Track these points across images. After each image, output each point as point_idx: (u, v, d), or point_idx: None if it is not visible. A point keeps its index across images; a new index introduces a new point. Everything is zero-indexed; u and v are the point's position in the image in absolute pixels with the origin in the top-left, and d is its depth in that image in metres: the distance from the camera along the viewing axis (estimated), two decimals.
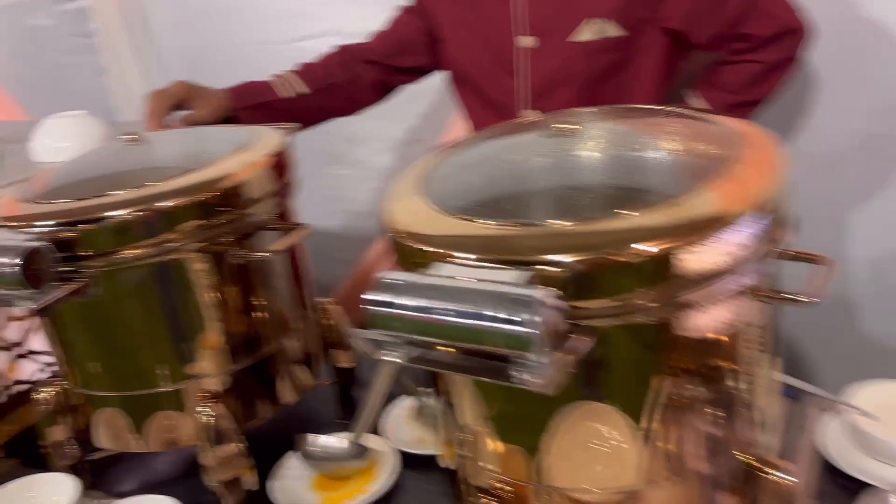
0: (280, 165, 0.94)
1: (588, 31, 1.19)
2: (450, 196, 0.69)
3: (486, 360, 0.54)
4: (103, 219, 0.84)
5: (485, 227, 0.62)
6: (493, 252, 0.59)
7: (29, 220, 0.86)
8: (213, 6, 1.92)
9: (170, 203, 0.85)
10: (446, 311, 0.53)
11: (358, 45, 1.43)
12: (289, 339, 0.99)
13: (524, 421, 0.66)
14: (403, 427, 1.04)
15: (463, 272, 0.57)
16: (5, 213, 0.89)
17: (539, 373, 0.51)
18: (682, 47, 1.24)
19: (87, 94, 2.13)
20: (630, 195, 0.64)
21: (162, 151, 1.01)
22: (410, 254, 0.65)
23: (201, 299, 0.89)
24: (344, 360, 1.11)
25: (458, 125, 1.69)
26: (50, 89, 2.28)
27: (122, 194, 0.87)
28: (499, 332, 0.50)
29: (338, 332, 1.09)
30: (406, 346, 0.57)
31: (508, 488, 0.70)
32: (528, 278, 0.54)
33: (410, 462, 0.98)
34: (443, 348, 0.57)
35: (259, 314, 0.94)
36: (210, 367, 0.92)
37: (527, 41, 1.22)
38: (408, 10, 1.41)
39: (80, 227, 0.84)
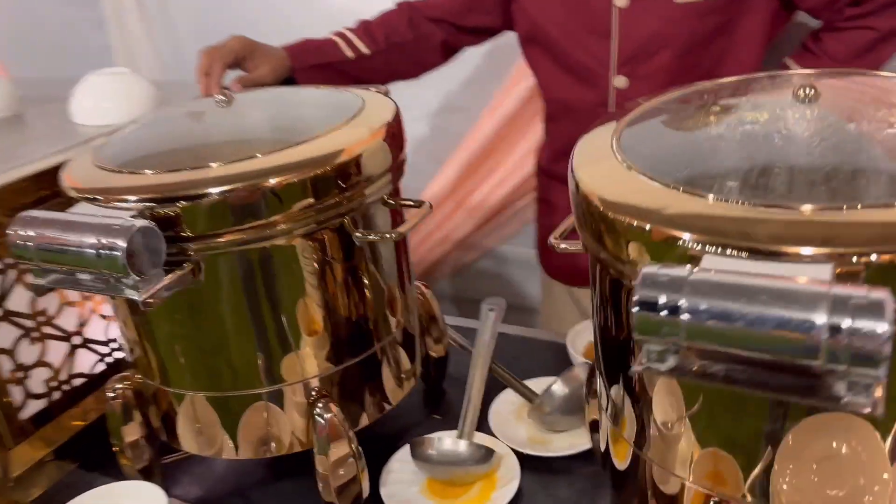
0: (397, 136, 0.83)
1: None
2: (660, 165, 0.60)
3: (785, 373, 0.45)
4: (207, 195, 0.72)
5: (726, 206, 0.53)
6: (753, 239, 0.50)
7: (120, 193, 0.74)
8: None
9: (283, 179, 0.73)
10: (761, 319, 0.43)
11: (421, 1, 1.31)
12: (398, 329, 0.88)
13: (747, 426, 0.58)
14: (513, 425, 0.95)
15: (737, 265, 0.48)
16: (87, 185, 0.77)
17: (869, 392, 0.43)
18: (788, 11, 1.15)
19: (87, 51, 1.96)
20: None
21: (256, 117, 0.89)
22: (622, 232, 0.56)
23: (312, 288, 0.78)
24: (435, 350, 1.02)
25: (505, 92, 1.59)
26: (41, 46, 2.09)
27: (226, 167, 0.75)
28: (839, 346, 0.41)
29: (431, 317, 1.00)
30: (677, 355, 0.48)
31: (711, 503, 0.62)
32: (833, 274, 0.45)
33: (526, 465, 0.89)
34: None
35: (372, 303, 0.84)
36: (321, 364, 0.81)
37: (625, 0, 1.12)
38: None
39: (182, 203, 0.72)
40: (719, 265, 0.48)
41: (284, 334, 0.79)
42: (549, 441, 0.92)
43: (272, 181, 0.73)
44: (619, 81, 1.16)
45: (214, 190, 0.72)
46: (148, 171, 0.76)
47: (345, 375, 0.83)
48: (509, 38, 1.32)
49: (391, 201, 0.82)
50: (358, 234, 0.79)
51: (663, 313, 0.46)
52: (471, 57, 1.54)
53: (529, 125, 1.58)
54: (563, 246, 0.71)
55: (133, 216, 0.70)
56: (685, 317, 0.45)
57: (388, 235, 0.79)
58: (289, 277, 0.77)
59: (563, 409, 0.92)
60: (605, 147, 0.65)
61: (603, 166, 0.63)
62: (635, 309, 0.46)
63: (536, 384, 0.99)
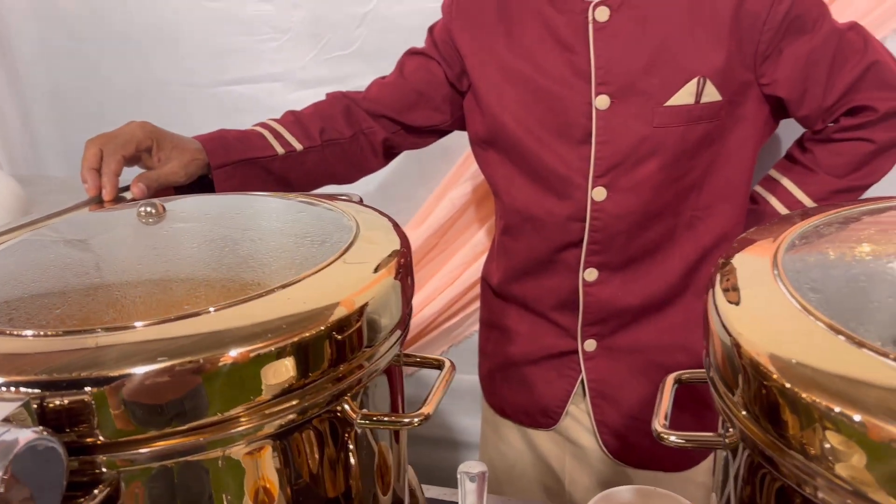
0: (408, 272, 0.59)
1: (687, 94, 0.94)
2: (859, 317, 0.42)
3: None
4: (128, 377, 0.45)
5: None
6: None
7: None
8: (103, 30, 1.45)
9: (251, 348, 0.47)
10: None
11: (360, 93, 1.09)
12: None
13: None
14: None
15: None
16: None
17: None
18: (776, 118, 1.03)
19: None
20: None
21: (198, 242, 0.61)
22: (818, 421, 0.38)
23: None
24: None
25: (438, 196, 1.38)
26: None
27: (157, 329, 0.48)
28: None
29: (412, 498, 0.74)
30: None
31: None
32: None
33: None
34: None
35: None
36: None
37: (607, 102, 0.95)
38: (424, 54, 1.09)
39: (90, 390, 0.44)
40: None
41: None
42: None
43: (234, 353, 0.47)
44: (598, 193, 0.98)
45: (140, 369, 0.45)
46: (27, 333, 0.48)
47: None
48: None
49: (398, 364, 0.58)
50: (361, 421, 0.53)
51: None
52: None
53: (468, 234, 1.37)
54: (673, 439, 0.50)
55: (6, 421, 0.41)
56: None
57: (407, 420, 0.53)
58: (248, 499, 0.50)
59: None
60: (766, 283, 0.46)
61: (773, 315, 0.43)
62: None
63: None
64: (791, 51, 0.94)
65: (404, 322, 0.58)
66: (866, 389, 0.39)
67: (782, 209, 1.03)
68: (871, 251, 0.50)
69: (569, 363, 1.06)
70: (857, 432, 0.37)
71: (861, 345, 0.40)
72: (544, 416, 1.10)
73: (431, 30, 1.09)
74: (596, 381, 1.04)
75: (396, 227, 0.62)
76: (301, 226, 0.63)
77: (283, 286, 0.52)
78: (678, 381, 0.55)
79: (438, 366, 0.57)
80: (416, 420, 0.52)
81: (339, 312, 0.51)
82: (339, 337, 0.51)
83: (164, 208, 0.62)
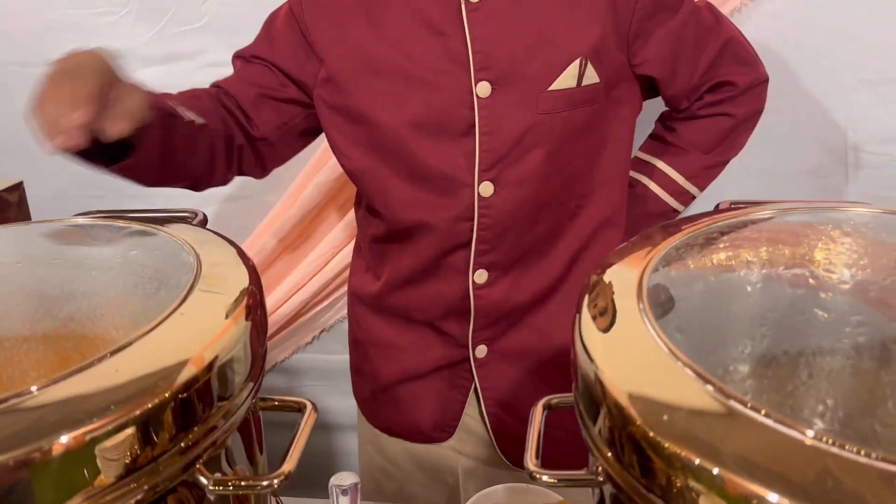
0: (261, 309, 0.54)
1: (569, 77, 0.88)
2: (729, 362, 0.42)
3: None
4: None
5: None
6: None
7: None
8: None
9: (85, 431, 0.42)
10: None
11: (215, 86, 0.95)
12: None
13: None
14: None
15: None
16: None
17: None
18: (644, 99, 1.01)
19: None
20: None
21: (13, 300, 0.53)
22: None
23: None
24: None
25: (306, 178, 1.31)
26: None
27: None
28: None
29: None
30: None
31: None
32: None
33: None
34: None
35: None
36: None
37: (488, 89, 0.87)
38: (256, 59, 0.94)
39: None
40: None
41: None
42: None
43: (64, 439, 0.41)
44: (485, 189, 0.90)
45: None
46: None
47: None
48: None
49: (255, 410, 0.53)
50: (214, 487, 0.48)
51: None
52: None
53: (335, 218, 1.31)
54: (545, 479, 0.48)
55: None
56: None
57: (265, 483, 0.49)
58: None
59: None
60: (634, 321, 0.44)
61: (639, 357, 0.42)
62: None
63: None
64: (659, 30, 0.90)
65: (259, 367, 0.53)
66: (727, 444, 0.38)
67: (659, 191, 1.03)
68: (737, 269, 0.49)
69: (460, 373, 0.98)
70: (717, 486, 0.37)
71: (727, 395, 0.39)
72: (438, 431, 1.02)
73: (270, 23, 0.94)
74: (490, 388, 0.98)
75: (242, 255, 0.57)
76: (133, 268, 0.56)
77: (117, 350, 0.46)
78: (548, 406, 0.54)
79: (298, 409, 0.53)
80: (275, 482, 0.48)
81: (185, 373, 0.46)
82: (186, 401, 0.46)
83: None
